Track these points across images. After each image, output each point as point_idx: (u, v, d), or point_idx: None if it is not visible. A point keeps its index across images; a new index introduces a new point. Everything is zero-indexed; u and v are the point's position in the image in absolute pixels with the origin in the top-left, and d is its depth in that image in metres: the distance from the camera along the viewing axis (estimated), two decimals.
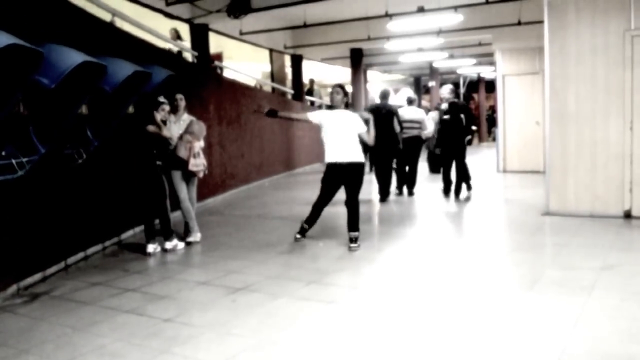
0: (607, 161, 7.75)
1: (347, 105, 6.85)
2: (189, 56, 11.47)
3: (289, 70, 17.92)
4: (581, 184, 7.93)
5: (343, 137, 6.60)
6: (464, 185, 10.31)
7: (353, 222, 6.66)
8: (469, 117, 10.37)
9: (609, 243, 6.46)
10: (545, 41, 8.06)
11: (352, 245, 6.62)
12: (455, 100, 10.53)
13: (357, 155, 6.65)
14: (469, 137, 10.63)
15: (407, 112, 10.82)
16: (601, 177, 7.80)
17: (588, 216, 7.77)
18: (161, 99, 6.81)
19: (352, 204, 6.67)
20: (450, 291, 5.07)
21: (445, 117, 10.16)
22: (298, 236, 7.10)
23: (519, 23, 12.36)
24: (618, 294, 4.71)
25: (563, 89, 7.98)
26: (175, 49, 11.10)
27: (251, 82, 15.84)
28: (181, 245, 7.01)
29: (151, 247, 6.80)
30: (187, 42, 11.62)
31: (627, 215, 7.64)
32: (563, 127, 8.00)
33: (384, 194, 10.44)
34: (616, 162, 7.69)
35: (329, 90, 6.80)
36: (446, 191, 10.37)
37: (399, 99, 15.47)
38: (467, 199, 10.07)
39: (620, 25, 7.58)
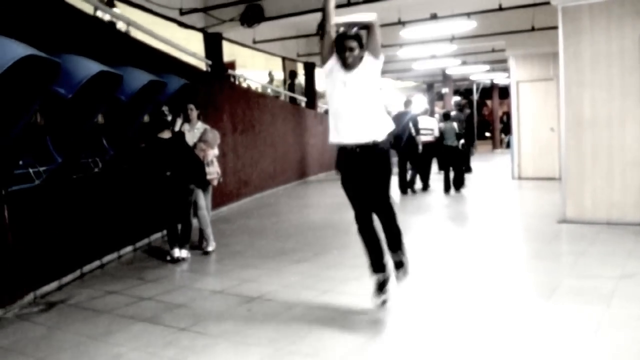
0: (624, 168, 7.67)
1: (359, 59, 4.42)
2: (203, 65, 11.53)
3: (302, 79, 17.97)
4: (598, 191, 7.86)
5: (354, 104, 4.38)
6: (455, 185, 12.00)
7: (392, 238, 4.59)
8: (464, 126, 12.87)
9: (627, 251, 6.38)
10: (560, 47, 8.02)
11: (398, 272, 4.64)
12: (449, 111, 13.25)
13: (373, 132, 4.41)
14: (462, 141, 12.59)
15: (423, 120, 12.36)
16: (618, 184, 7.73)
17: (605, 224, 7.69)
18: (165, 110, 6.84)
19: (382, 209, 4.55)
20: (468, 299, 5.03)
21: (440, 125, 12.33)
22: (379, 299, 4.65)
23: (533, 29, 12.32)
24: (638, 303, 4.65)
25: (578, 94, 7.92)
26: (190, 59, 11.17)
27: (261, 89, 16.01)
28: (187, 255, 7.01)
29: (177, 252, 6.84)
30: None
31: None
32: (579, 133, 7.94)
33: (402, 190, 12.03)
34: (633, 169, 7.61)
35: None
36: (445, 189, 12.03)
37: (415, 106, 15.97)
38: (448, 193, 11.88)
39: (635, 31, 7.52)
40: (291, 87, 17.10)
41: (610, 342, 3.90)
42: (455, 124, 12.25)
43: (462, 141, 12.60)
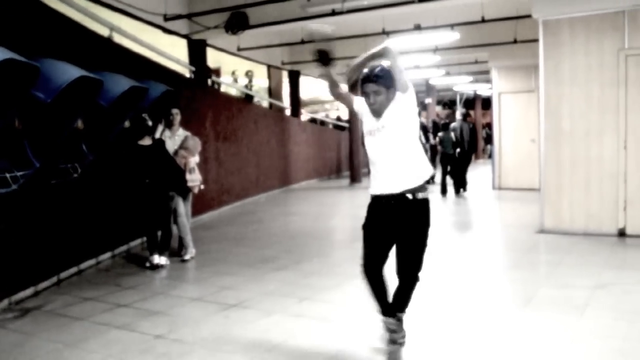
0: (602, 180, 7.77)
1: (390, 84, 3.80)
2: (187, 71, 11.50)
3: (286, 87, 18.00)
4: (575, 202, 7.95)
5: (387, 152, 3.80)
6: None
7: (400, 298, 3.98)
8: (468, 134, 13.50)
9: (602, 261, 6.46)
10: (540, 59, 8.13)
11: (391, 333, 3.92)
12: (449, 122, 14.15)
13: (410, 180, 3.77)
14: (457, 150, 13.34)
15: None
16: (595, 196, 7.83)
17: (582, 234, 7.78)
18: (146, 116, 6.82)
19: (408, 276, 3.91)
20: (444, 308, 5.05)
21: (440, 134, 13.54)
22: (390, 348, 3.93)
23: (515, 41, 12.43)
24: (611, 313, 4.70)
25: (557, 107, 8.03)
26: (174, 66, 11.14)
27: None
28: (167, 262, 6.98)
29: (156, 259, 6.81)
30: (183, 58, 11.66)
31: (621, 233, 7.66)
32: (558, 145, 8.04)
33: None
34: (610, 181, 7.72)
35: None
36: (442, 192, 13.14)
37: None
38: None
39: (614, 45, 7.64)
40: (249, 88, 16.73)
41: (583, 351, 3.94)
42: (452, 134, 13.29)
43: (458, 149, 13.32)
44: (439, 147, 13.87)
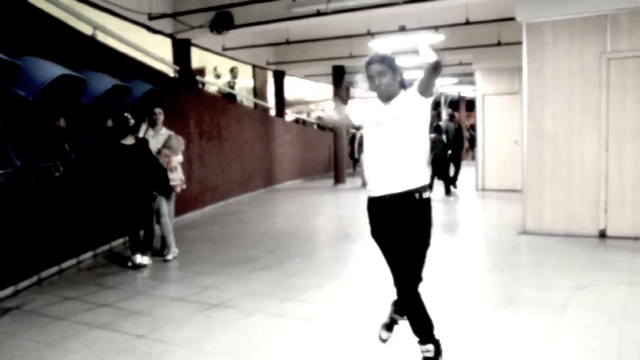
0: (583, 181, 7.85)
1: (403, 85, 3.62)
2: (171, 70, 11.46)
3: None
4: (557, 204, 8.02)
5: (390, 149, 3.50)
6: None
7: (415, 325, 3.63)
8: (452, 135, 13.81)
9: (583, 262, 6.53)
10: (524, 62, 8.19)
11: None
12: (439, 123, 13.89)
13: (410, 181, 3.49)
14: (449, 151, 13.56)
15: None
16: (577, 197, 7.90)
17: (564, 235, 7.85)
18: (128, 115, 6.78)
19: (402, 289, 3.60)
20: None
21: (431, 136, 13.23)
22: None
23: (499, 44, 12.54)
24: (591, 313, 4.75)
25: (540, 109, 8.09)
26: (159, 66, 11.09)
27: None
28: (149, 262, 6.95)
29: (138, 258, 6.78)
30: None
31: (602, 234, 7.74)
32: (540, 147, 8.10)
33: None
34: (592, 183, 7.79)
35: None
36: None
37: None
38: None
39: (596, 48, 7.72)
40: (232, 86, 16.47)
41: (562, 351, 3.98)
42: (443, 136, 13.48)
43: (449, 151, 13.62)
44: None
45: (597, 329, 4.39)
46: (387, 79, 3.50)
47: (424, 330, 3.60)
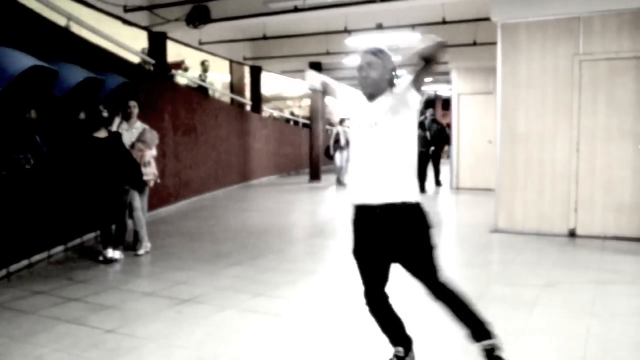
0: (554, 181, 7.96)
1: (391, 84, 3.31)
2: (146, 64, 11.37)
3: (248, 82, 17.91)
4: (529, 203, 8.13)
5: (378, 155, 3.18)
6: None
7: (468, 324, 3.40)
8: (433, 134, 14.02)
9: (553, 260, 6.63)
10: (498, 62, 8.27)
11: None
12: (422, 120, 13.85)
13: (401, 191, 3.19)
14: (432, 148, 13.90)
15: None
16: (548, 197, 8.01)
17: (535, 234, 7.96)
18: (102, 108, 6.71)
19: (437, 290, 3.41)
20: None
21: None
22: None
23: (475, 43, 12.66)
24: (559, 310, 4.83)
25: (513, 109, 8.18)
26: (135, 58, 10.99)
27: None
28: (121, 256, 6.90)
29: (110, 253, 6.72)
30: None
31: (572, 233, 7.86)
32: (513, 146, 8.20)
33: None
34: (562, 182, 7.91)
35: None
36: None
37: None
38: None
39: (569, 50, 7.83)
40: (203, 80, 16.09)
41: (529, 348, 4.03)
42: (427, 133, 13.83)
43: (432, 148, 13.98)
44: None
45: (564, 325, 4.46)
46: (376, 74, 3.21)
47: (474, 323, 3.37)
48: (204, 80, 13.85)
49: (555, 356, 3.88)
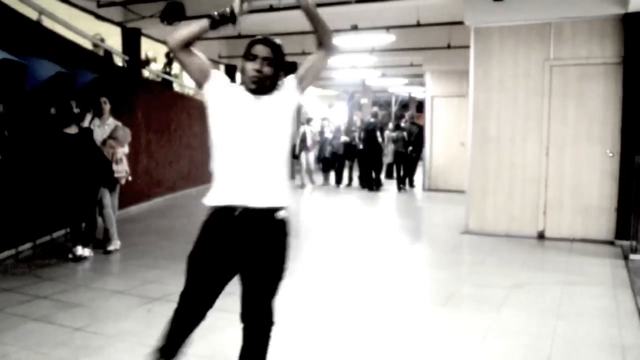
0: (524, 184, 8.09)
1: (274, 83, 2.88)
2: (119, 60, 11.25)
3: None
4: (499, 205, 8.24)
5: (256, 154, 2.82)
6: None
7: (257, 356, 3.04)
8: (413, 136, 14.69)
9: (521, 262, 6.73)
10: (471, 66, 8.37)
11: None
12: (400, 123, 15.35)
13: (280, 195, 2.87)
14: (410, 148, 14.62)
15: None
16: (518, 199, 8.13)
17: (504, 236, 8.08)
18: (73, 104, 6.63)
19: (263, 318, 3.04)
20: (364, 306, 5.14)
21: (393, 134, 15.08)
22: None
23: (449, 47, 12.74)
24: (526, 311, 4.91)
25: (485, 112, 8.29)
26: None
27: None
28: (90, 254, 6.83)
29: (79, 250, 6.64)
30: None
31: (541, 235, 7.99)
32: (484, 149, 8.30)
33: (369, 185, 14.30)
34: (532, 185, 8.04)
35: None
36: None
37: (334, 115, 17.47)
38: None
39: (540, 55, 7.96)
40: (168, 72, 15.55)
41: (496, 347, 4.10)
42: (405, 134, 14.55)
43: (410, 148, 14.57)
44: (391, 146, 14.92)
45: (531, 325, 4.54)
46: (270, 71, 2.82)
47: None
48: (168, 73, 13.62)
49: (521, 356, 3.95)
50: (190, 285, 3.00)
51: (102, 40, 10.51)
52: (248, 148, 2.80)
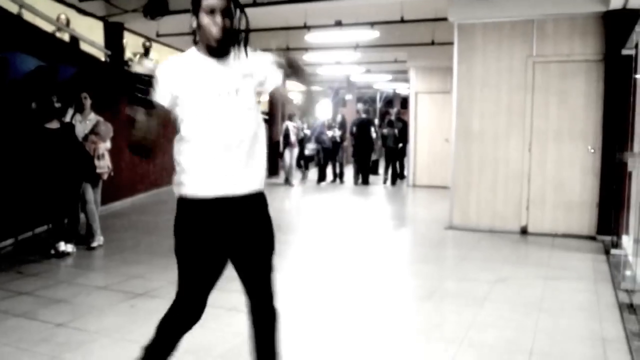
0: (507, 179, 8.14)
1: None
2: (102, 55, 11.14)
3: None
4: (483, 200, 8.29)
5: (243, 129, 2.53)
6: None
7: (271, 347, 2.89)
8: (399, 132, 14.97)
9: (504, 257, 6.78)
10: (454, 62, 8.40)
11: None
12: (392, 119, 15.62)
13: (260, 176, 2.65)
14: (400, 144, 14.96)
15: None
16: (501, 195, 8.19)
17: (488, 231, 8.13)
18: (54, 99, 6.57)
19: (269, 305, 2.93)
20: (348, 301, 5.16)
21: (384, 130, 15.40)
22: None
23: (433, 43, 12.77)
24: (508, 305, 4.95)
25: (469, 108, 8.32)
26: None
27: None
28: (73, 250, 6.78)
29: (62, 246, 6.59)
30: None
31: (524, 231, 8.05)
32: (468, 145, 8.34)
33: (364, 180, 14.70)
34: (515, 181, 8.09)
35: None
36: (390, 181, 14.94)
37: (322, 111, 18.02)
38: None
39: (523, 51, 8.00)
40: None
41: (479, 341, 4.12)
42: (396, 130, 14.87)
43: (400, 144, 14.91)
44: (380, 142, 15.45)
45: (513, 319, 4.57)
46: (229, 23, 2.47)
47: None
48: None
49: (504, 349, 3.98)
50: (187, 281, 2.79)
51: (68, 23, 9.93)
52: (224, 131, 2.49)
